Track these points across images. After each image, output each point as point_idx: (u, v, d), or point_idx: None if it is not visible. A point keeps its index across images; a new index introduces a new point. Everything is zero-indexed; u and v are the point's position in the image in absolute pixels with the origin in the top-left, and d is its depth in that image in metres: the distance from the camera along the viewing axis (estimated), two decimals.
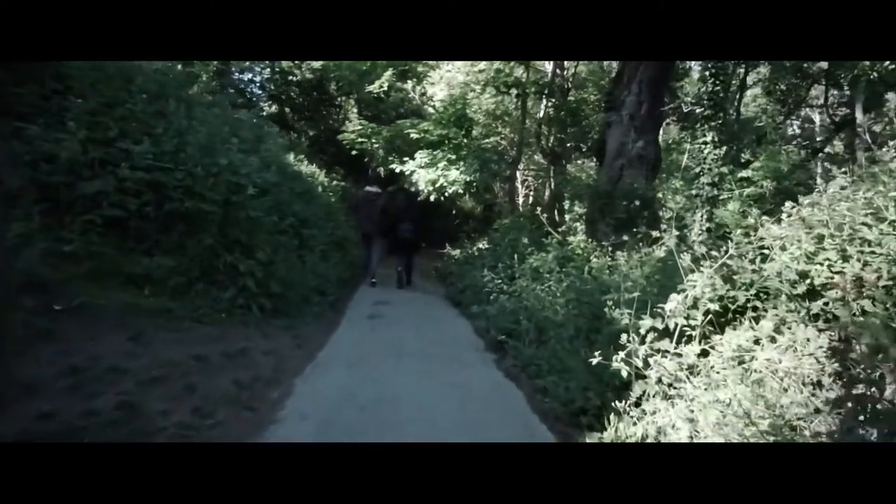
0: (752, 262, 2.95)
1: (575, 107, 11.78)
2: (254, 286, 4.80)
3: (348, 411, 3.04)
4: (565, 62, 11.68)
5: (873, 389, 2.09)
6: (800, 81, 10.97)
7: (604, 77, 13.01)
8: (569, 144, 12.24)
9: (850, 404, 2.09)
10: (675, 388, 2.69)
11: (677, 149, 16.21)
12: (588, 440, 2.81)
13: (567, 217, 11.83)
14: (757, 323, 2.75)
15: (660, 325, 2.81)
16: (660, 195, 9.92)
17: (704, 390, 2.49)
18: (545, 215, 7.82)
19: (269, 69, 16.78)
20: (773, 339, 2.57)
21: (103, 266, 3.83)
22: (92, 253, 3.76)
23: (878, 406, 2.01)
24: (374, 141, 12.32)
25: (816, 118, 16.78)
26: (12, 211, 3.31)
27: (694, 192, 6.03)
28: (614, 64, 11.18)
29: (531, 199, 17.89)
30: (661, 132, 10.93)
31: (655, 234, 3.38)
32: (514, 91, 11.50)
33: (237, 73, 16.39)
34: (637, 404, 2.77)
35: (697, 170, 5.96)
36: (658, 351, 2.76)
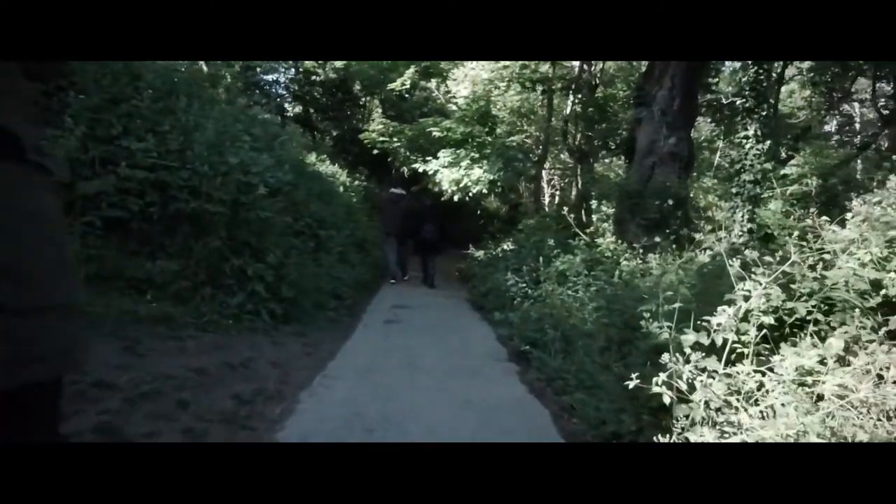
0: (813, 268, 2.57)
1: (603, 103, 11.34)
2: (263, 291, 4.57)
3: (353, 433, 2.75)
4: None
5: None
6: (843, 73, 10.32)
7: (633, 72, 12.53)
8: (596, 142, 11.79)
9: None
10: (723, 413, 2.34)
11: (709, 147, 15.61)
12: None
13: (594, 217, 11.42)
14: (821, 340, 2.37)
15: (705, 341, 2.46)
16: (691, 195, 9.48)
17: (762, 419, 2.13)
18: (572, 216, 7.43)
19: (293, 69, 16.74)
20: (842, 360, 2.20)
21: (102, 270, 3.64)
22: (91, 256, 3.56)
23: None
24: (396, 140, 12.08)
25: (856, 112, 15.95)
26: None
27: (734, 190, 5.59)
28: None
29: (557, 199, 17.46)
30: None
31: (699, 236, 3.00)
32: (539, 87, 11.13)
33: (261, 74, 16.39)
34: (679, 431, 2.42)
35: (738, 166, 5.52)
36: (704, 371, 2.40)
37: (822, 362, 2.24)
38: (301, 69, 16.38)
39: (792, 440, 1.91)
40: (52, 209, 0.65)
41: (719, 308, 2.46)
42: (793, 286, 2.53)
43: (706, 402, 2.33)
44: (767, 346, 2.46)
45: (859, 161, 11.73)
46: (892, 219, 2.68)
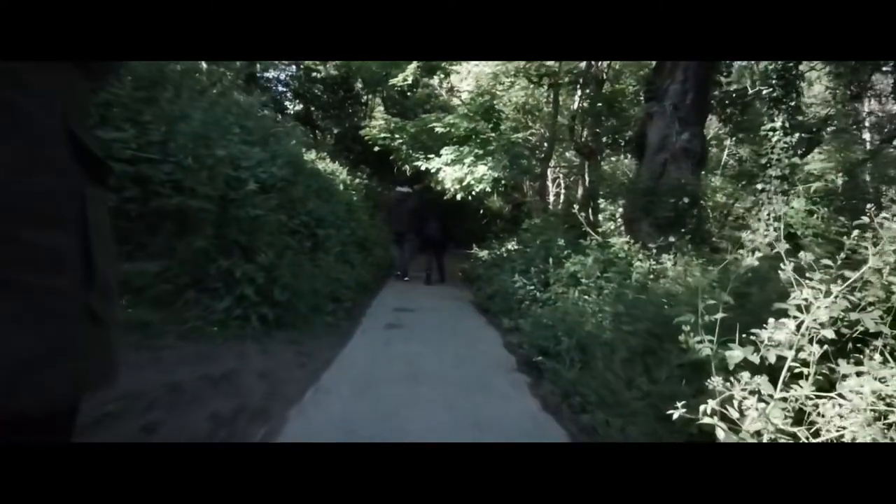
0: (879, 272, 2.22)
1: (611, 98, 10.98)
2: (253, 294, 4.24)
3: None
4: None
5: None
6: (862, 67, 9.91)
7: (642, 67, 12.16)
8: (605, 139, 11.42)
9: None
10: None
11: (718, 144, 15.24)
12: None
13: (600, 217, 11.06)
14: (892, 357, 2.02)
15: (754, 359, 2.11)
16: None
17: None
18: (582, 214, 7.09)
19: (293, 66, 16.42)
20: None
21: None
22: None
23: None
24: (398, 136, 11.73)
25: (866, 106, 15.44)
26: None
27: (759, 186, 5.23)
28: None
29: (562, 197, 17.12)
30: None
31: (748, 236, 2.65)
32: (546, 81, 10.78)
33: (261, 71, 16.07)
34: None
35: (764, 160, 5.15)
36: (753, 393, 2.05)
37: None
38: (301, 66, 16.07)
39: None
40: (108, 222, 0.66)
41: (771, 320, 2.11)
42: (856, 294, 2.18)
43: (758, 433, 1.98)
44: (827, 364, 2.11)
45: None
46: None
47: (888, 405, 1.81)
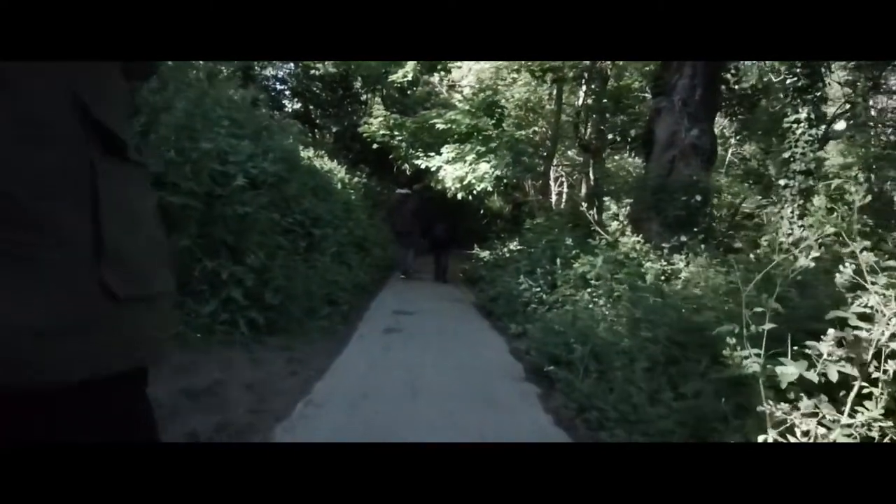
0: None
1: (617, 94, 10.68)
2: (241, 297, 3.94)
3: None
4: None
5: None
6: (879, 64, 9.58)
7: (648, 62, 11.86)
8: (613, 136, 11.12)
9: None
10: None
11: (723, 144, 14.95)
12: None
13: (604, 216, 10.75)
14: None
15: (812, 376, 1.81)
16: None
17: None
18: (591, 213, 6.80)
19: (291, 64, 16.14)
20: None
21: None
22: None
23: None
24: (397, 134, 11.43)
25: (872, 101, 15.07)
26: None
27: (782, 182, 4.93)
28: None
29: (564, 196, 16.83)
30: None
31: (809, 235, 2.37)
32: (549, 76, 10.48)
33: (259, 69, 15.78)
34: None
35: (787, 155, 4.85)
36: (811, 416, 1.76)
37: None
38: (300, 64, 15.78)
39: None
40: (150, 203, 0.67)
41: (830, 331, 1.81)
42: None
43: None
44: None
45: None
46: None
47: None
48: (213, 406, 2.78)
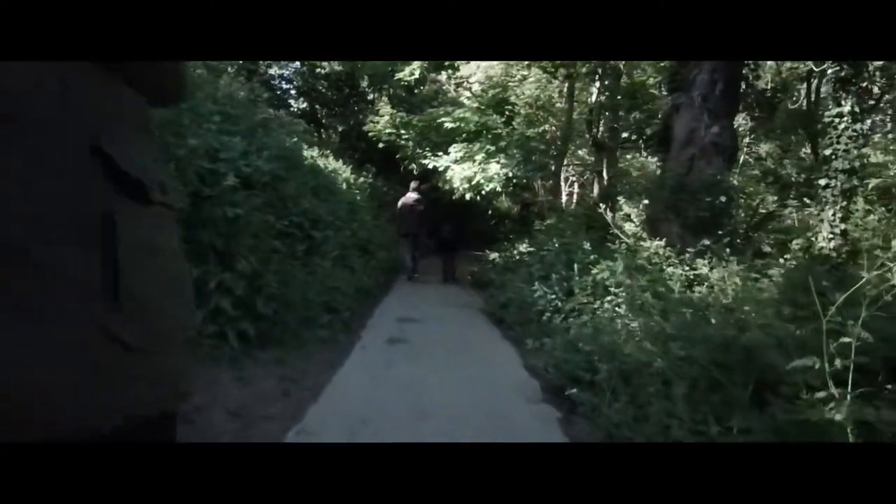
0: None
1: (632, 89, 10.27)
2: (230, 307, 3.59)
3: None
4: None
5: None
6: None
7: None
8: (628, 134, 10.72)
9: None
10: None
11: (739, 143, 14.51)
12: None
13: (617, 217, 10.35)
14: None
15: None
16: None
17: None
18: (610, 214, 6.43)
19: (297, 62, 15.85)
20: None
21: None
22: None
23: None
24: (403, 132, 11.08)
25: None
26: None
27: (822, 181, 4.53)
28: None
29: (575, 197, 16.43)
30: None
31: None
32: (561, 72, 10.09)
33: (264, 68, 15.52)
34: None
35: (828, 152, 4.46)
36: None
37: None
38: (305, 62, 15.51)
39: None
40: (173, 242, 0.67)
41: None
42: None
43: None
44: None
45: None
46: None
47: None
48: (189, 437, 2.43)
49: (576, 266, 5.30)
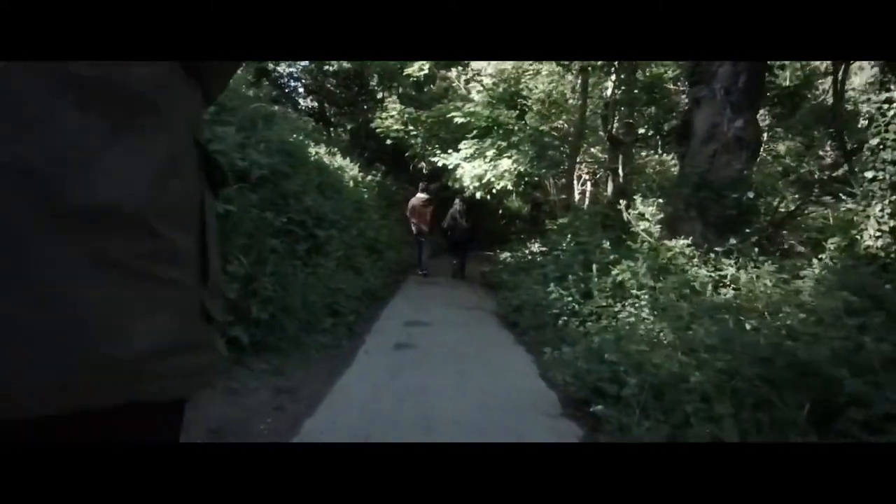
0: None
1: (649, 82, 9.90)
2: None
3: None
4: None
5: None
6: None
7: None
8: (643, 129, 10.35)
9: None
10: None
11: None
12: None
13: (633, 215, 9.96)
14: None
15: None
16: None
17: None
18: (630, 212, 6.09)
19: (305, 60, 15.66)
20: None
21: None
22: None
23: None
24: (412, 129, 10.78)
25: None
26: None
27: (868, 175, 4.17)
28: None
29: (587, 195, 16.04)
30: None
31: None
32: (576, 66, 9.73)
33: (273, 66, 15.34)
34: None
35: (875, 141, 4.10)
36: None
37: None
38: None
39: None
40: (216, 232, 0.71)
41: None
42: None
43: None
44: None
45: None
46: None
47: None
48: None
49: (594, 267, 4.97)
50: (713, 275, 4.79)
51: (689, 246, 5.05)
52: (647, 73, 10.56)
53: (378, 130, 10.81)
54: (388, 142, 11.07)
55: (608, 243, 5.50)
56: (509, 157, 8.72)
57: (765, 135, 13.84)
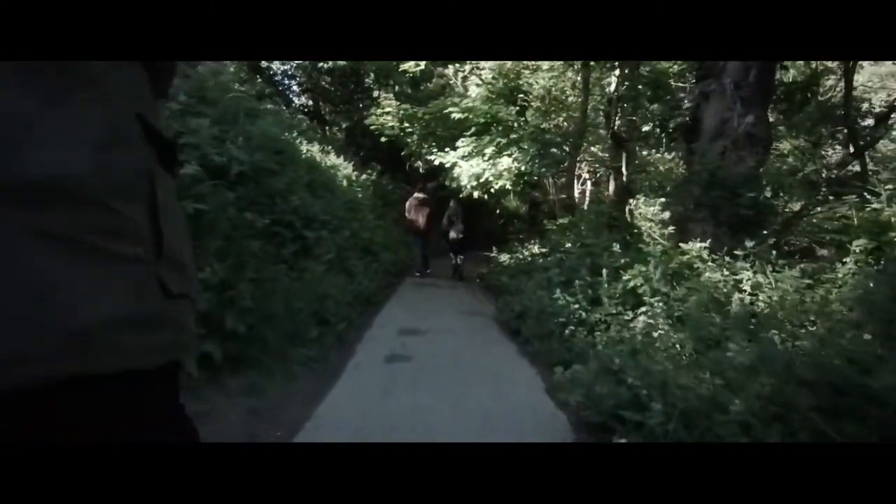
0: None
1: (654, 78, 9.55)
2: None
3: None
4: None
5: None
6: None
7: None
8: (648, 126, 10.01)
9: None
10: None
11: None
12: None
13: (637, 216, 9.63)
14: None
15: None
16: None
17: None
18: (639, 212, 5.74)
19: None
20: None
21: None
22: None
23: None
24: (408, 126, 10.42)
25: None
26: None
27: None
28: None
29: (588, 195, 15.70)
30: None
31: None
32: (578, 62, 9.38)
33: (266, 63, 14.99)
34: None
35: None
36: None
37: None
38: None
39: None
40: (183, 213, 0.71)
41: None
42: None
43: None
44: None
45: None
46: None
47: None
48: None
49: (605, 272, 4.61)
50: (730, 280, 4.45)
51: (705, 248, 4.69)
52: (651, 69, 10.23)
53: (373, 127, 10.45)
54: (384, 140, 10.72)
55: (618, 246, 5.14)
56: (509, 156, 8.36)
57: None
